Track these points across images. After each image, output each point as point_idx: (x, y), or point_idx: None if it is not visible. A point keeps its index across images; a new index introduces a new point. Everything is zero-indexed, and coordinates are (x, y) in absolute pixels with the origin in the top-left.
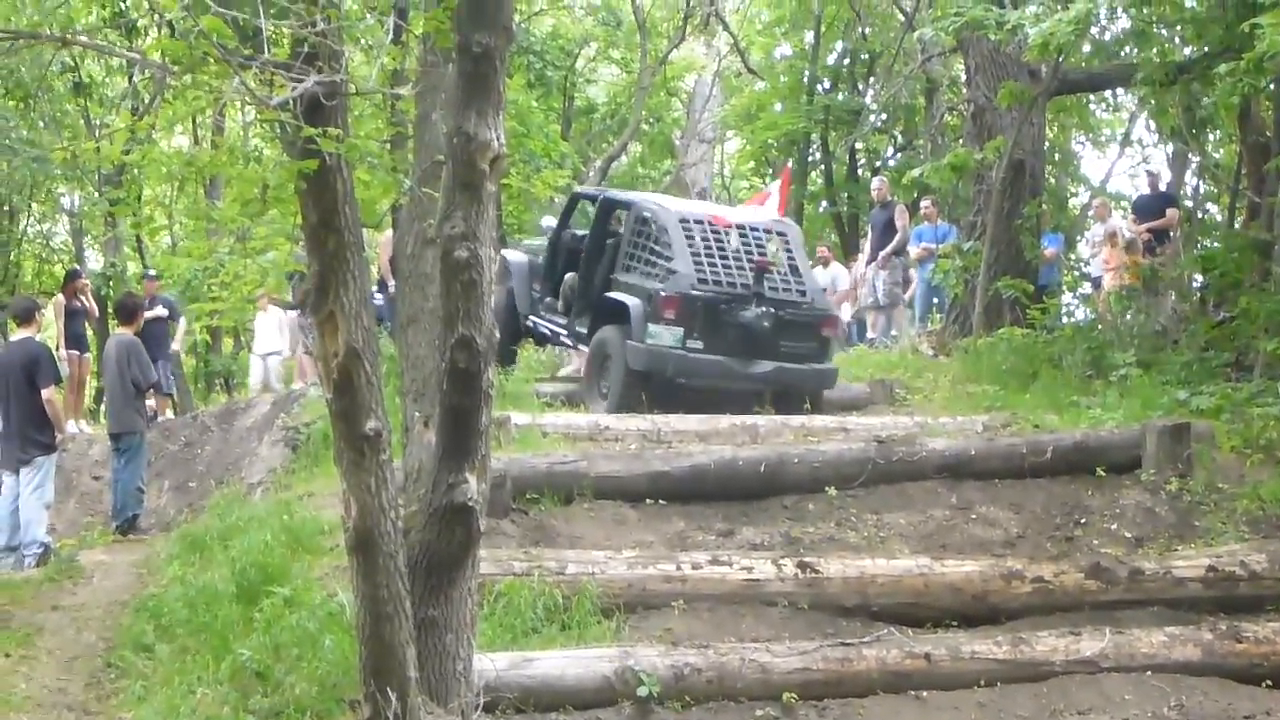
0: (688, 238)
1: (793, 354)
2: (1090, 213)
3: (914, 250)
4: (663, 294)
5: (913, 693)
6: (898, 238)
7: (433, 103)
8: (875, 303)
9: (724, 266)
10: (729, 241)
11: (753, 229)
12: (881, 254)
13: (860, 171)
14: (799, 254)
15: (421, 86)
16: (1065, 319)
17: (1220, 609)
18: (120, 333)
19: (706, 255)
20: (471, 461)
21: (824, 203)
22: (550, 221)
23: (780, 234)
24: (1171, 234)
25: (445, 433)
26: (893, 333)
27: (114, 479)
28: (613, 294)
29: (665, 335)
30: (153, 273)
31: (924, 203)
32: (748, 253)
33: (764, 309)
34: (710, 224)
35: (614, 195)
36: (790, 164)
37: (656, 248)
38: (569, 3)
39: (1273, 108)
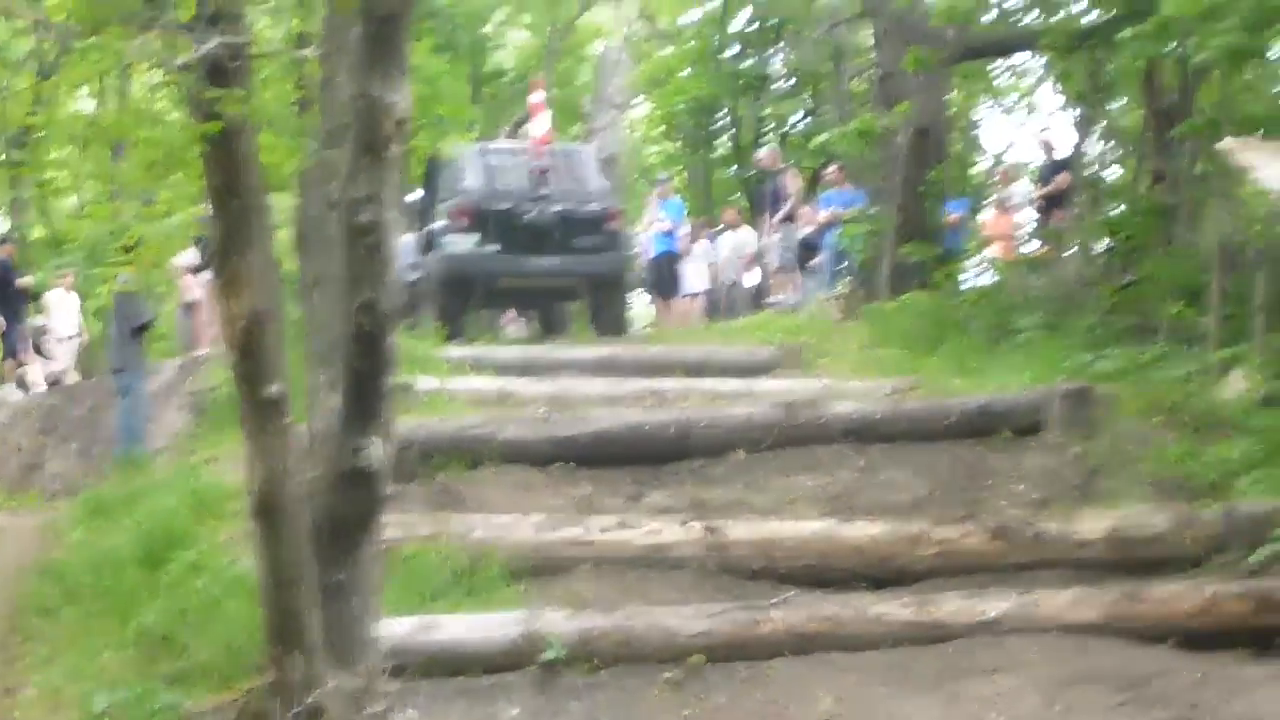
0: (483, 164)
1: (582, 247)
2: (995, 178)
3: (822, 215)
4: (455, 206)
5: (819, 654)
6: (790, 203)
7: (338, 65)
8: (778, 267)
9: (514, 181)
10: (518, 161)
11: (549, 152)
12: (774, 220)
13: (768, 136)
14: (588, 168)
15: (327, 49)
16: (972, 282)
17: (1123, 571)
18: None
19: (499, 174)
20: (375, 425)
21: (734, 167)
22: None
23: (573, 153)
24: (1073, 199)
25: (349, 397)
26: (792, 298)
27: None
28: (429, 227)
29: (461, 241)
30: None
31: (830, 169)
32: (537, 169)
33: (546, 208)
34: (504, 151)
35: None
36: (540, 76)
37: (457, 178)
38: None
39: (1177, 73)
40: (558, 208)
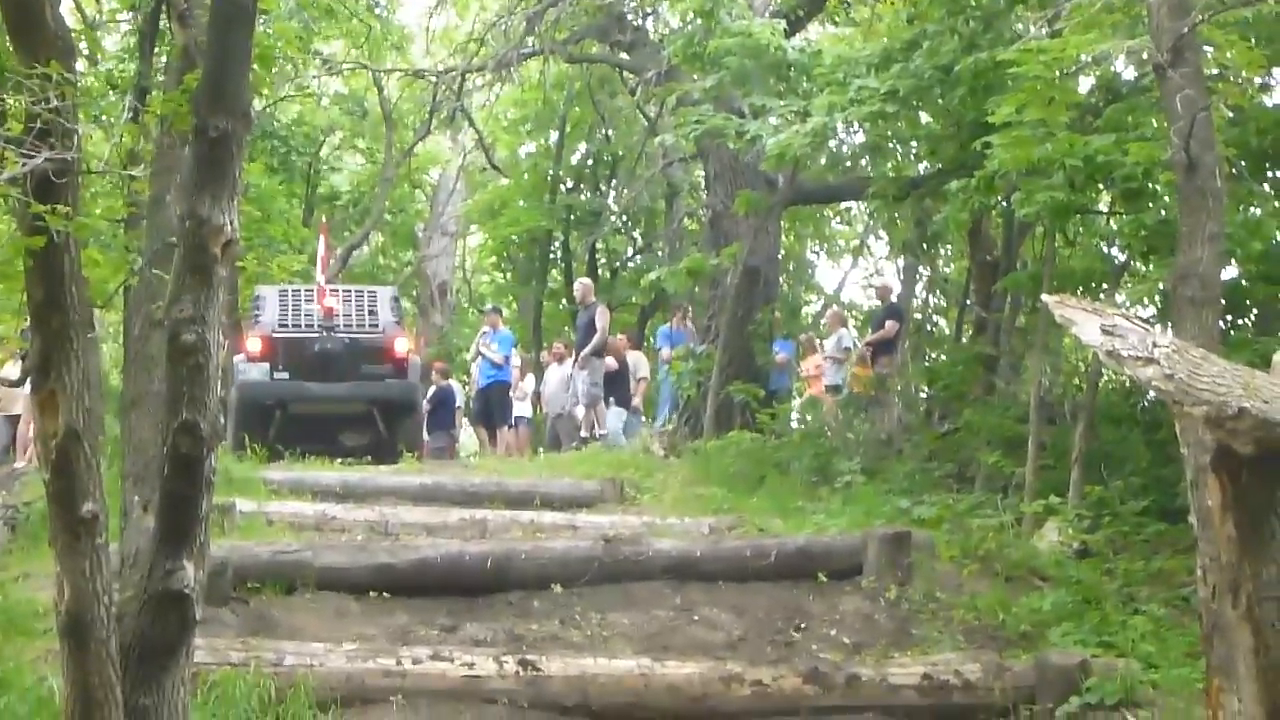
0: (280, 302)
1: (370, 374)
2: (823, 322)
3: (664, 352)
4: (249, 338)
5: None
6: (596, 338)
7: (167, 184)
8: (577, 402)
9: (305, 317)
10: (314, 300)
11: (341, 291)
12: (581, 354)
13: (599, 271)
14: (381, 305)
15: (156, 167)
16: (795, 425)
17: (934, 718)
18: None
19: (293, 310)
20: (190, 548)
21: (564, 301)
22: None
23: (365, 292)
24: (898, 346)
25: (164, 518)
26: (600, 431)
27: None
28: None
29: (254, 370)
30: None
31: (685, 310)
32: (326, 306)
33: (334, 339)
34: (303, 292)
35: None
36: (325, 220)
37: (255, 312)
38: (315, 91)
39: (1002, 226)
40: (345, 338)
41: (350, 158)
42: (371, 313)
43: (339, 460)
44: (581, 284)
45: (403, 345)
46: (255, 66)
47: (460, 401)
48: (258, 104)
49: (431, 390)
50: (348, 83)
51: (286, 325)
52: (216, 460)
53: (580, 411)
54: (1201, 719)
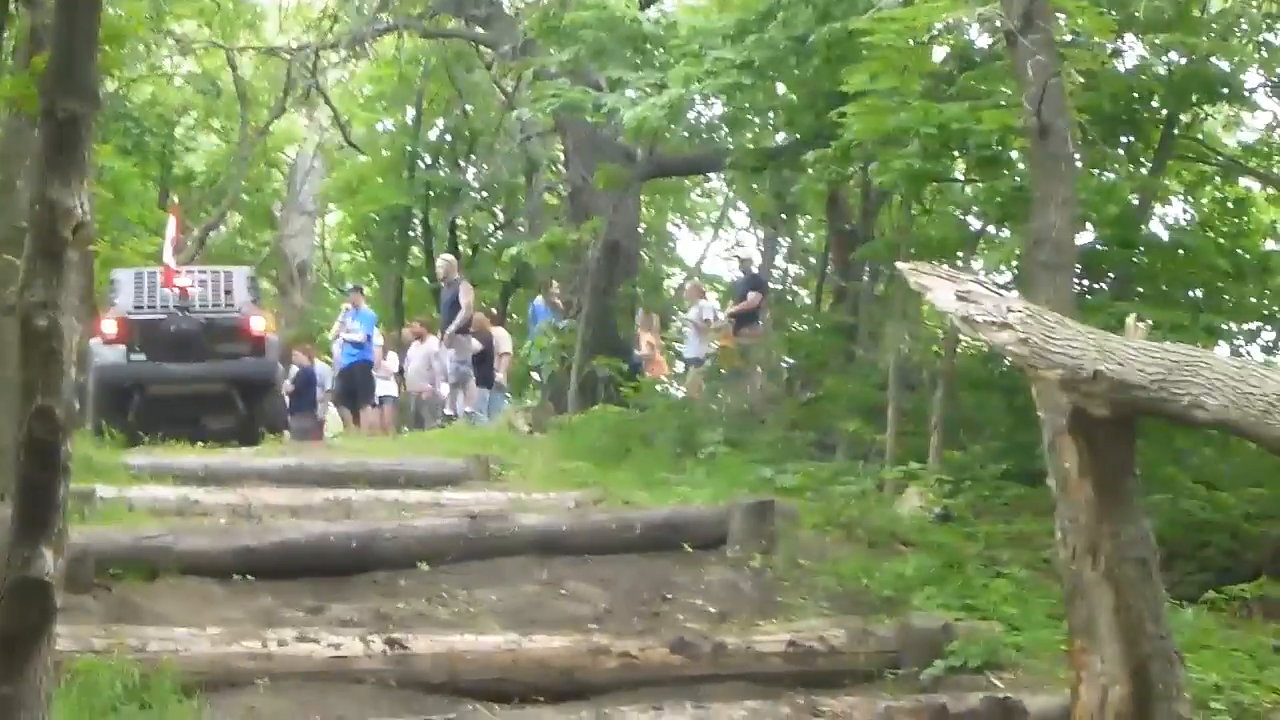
0: (136, 285)
1: (227, 353)
2: (685, 295)
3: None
4: (105, 321)
5: None
6: (461, 315)
7: (17, 169)
8: (445, 380)
9: (161, 299)
10: (168, 283)
11: (196, 273)
12: (446, 332)
13: (460, 248)
14: (237, 285)
15: (6, 152)
16: (659, 397)
17: (801, 684)
18: None
19: (149, 293)
20: (48, 535)
21: (425, 278)
22: None
23: (221, 273)
24: (761, 316)
25: (21, 506)
26: (467, 409)
27: None
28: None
29: (110, 353)
30: None
31: (554, 286)
32: (179, 287)
33: (189, 319)
34: (159, 275)
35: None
36: (176, 200)
37: (113, 296)
38: (167, 70)
39: (859, 196)
40: (201, 319)
41: (205, 138)
42: (227, 293)
43: (201, 444)
44: (444, 261)
45: (259, 324)
46: (105, 47)
47: (327, 382)
48: (109, 85)
49: (294, 371)
50: (201, 62)
51: (142, 307)
52: (73, 446)
53: (445, 390)
54: (1064, 680)
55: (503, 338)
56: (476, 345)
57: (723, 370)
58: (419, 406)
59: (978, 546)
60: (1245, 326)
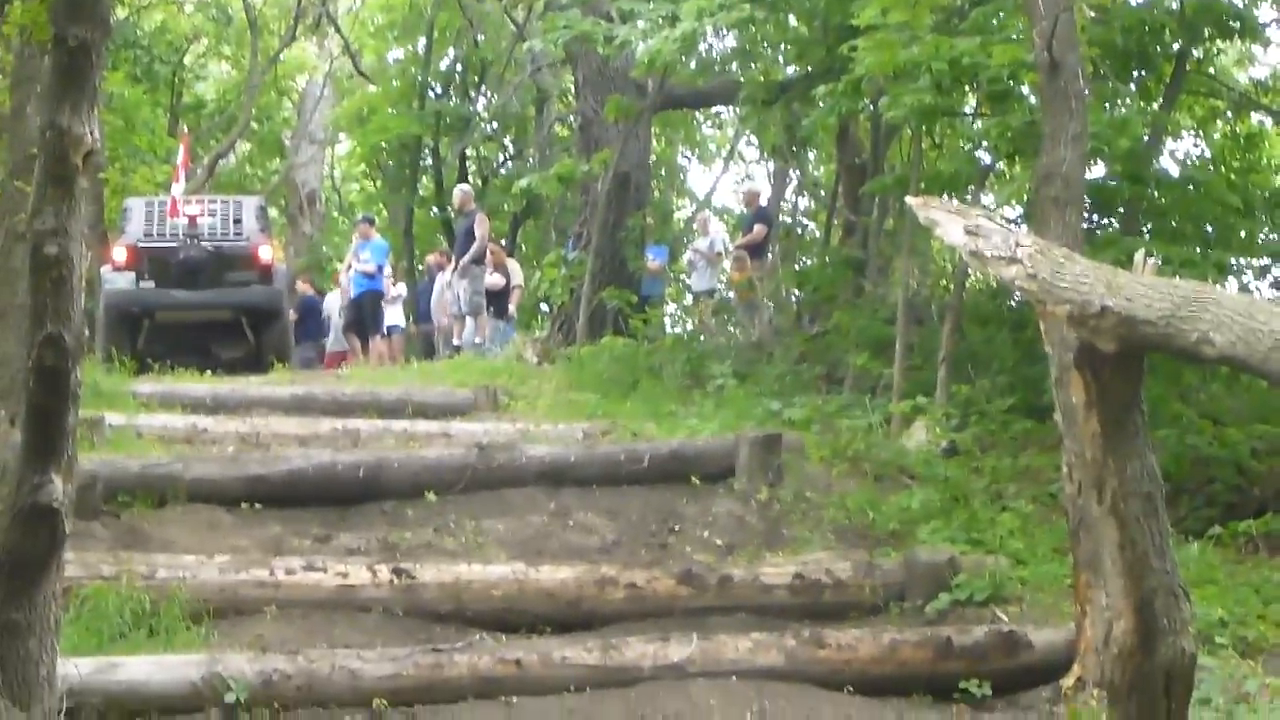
0: (146, 214)
1: (235, 281)
2: (694, 226)
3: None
4: (115, 248)
5: (503, 698)
6: (475, 245)
7: (28, 95)
8: (459, 311)
9: (171, 227)
10: (180, 211)
11: (206, 201)
12: (461, 262)
13: (471, 178)
14: (246, 214)
15: (16, 78)
16: (669, 329)
17: (806, 616)
18: None
19: (159, 221)
20: (58, 462)
21: (434, 208)
22: None
23: (231, 203)
24: (770, 250)
25: (31, 432)
26: (476, 340)
27: None
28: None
29: (120, 280)
30: None
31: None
32: (188, 215)
33: (199, 247)
34: (167, 203)
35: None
36: (187, 130)
37: (122, 224)
38: None
39: (869, 130)
40: (210, 247)
41: (215, 66)
42: (237, 221)
43: (210, 372)
44: (461, 190)
45: (267, 253)
46: None
47: (335, 313)
48: (119, 12)
49: (298, 300)
50: None
51: (152, 235)
52: (82, 373)
53: (444, 321)
54: (1069, 614)
55: (515, 270)
56: (498, 279)
57: (737, 301)
58: (435, 338)
59: (984, 481)
60: (1256, 263)
